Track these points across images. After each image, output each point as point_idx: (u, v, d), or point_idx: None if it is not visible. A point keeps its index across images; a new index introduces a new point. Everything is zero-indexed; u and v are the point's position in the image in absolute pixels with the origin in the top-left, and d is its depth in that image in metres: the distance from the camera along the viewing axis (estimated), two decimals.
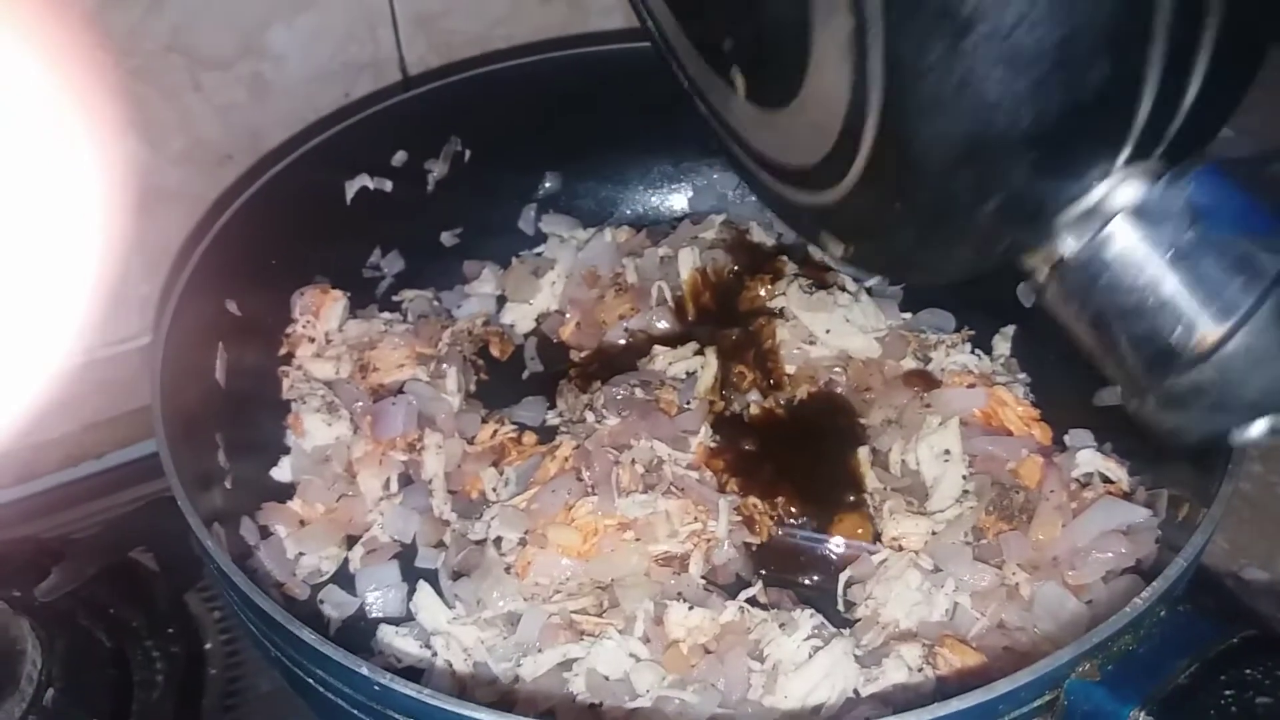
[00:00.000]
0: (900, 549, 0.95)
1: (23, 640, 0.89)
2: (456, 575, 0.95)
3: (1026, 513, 0.94)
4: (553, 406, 1.10)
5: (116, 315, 1.13)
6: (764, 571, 0.96)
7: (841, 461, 1.02)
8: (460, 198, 1.21)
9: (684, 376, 1.08)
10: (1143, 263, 0.56)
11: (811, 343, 1.10)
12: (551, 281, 1.20)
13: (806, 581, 0.97)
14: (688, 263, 1.17)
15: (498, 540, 0.96)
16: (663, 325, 1.15)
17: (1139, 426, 0.63)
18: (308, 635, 0.73)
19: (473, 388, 1.12)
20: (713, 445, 1.02)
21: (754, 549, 0.97)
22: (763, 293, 1.15)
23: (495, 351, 1.17)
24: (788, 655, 0.86)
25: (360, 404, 1.06)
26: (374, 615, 0.96)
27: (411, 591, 0.95)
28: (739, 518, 0.97)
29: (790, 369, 1.09)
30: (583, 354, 1.16)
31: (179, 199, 1.11)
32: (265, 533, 0.98)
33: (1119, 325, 0.58)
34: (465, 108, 1.17)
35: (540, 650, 0.89)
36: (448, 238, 1.23)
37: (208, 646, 1.01)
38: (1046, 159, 0.55)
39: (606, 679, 0.87)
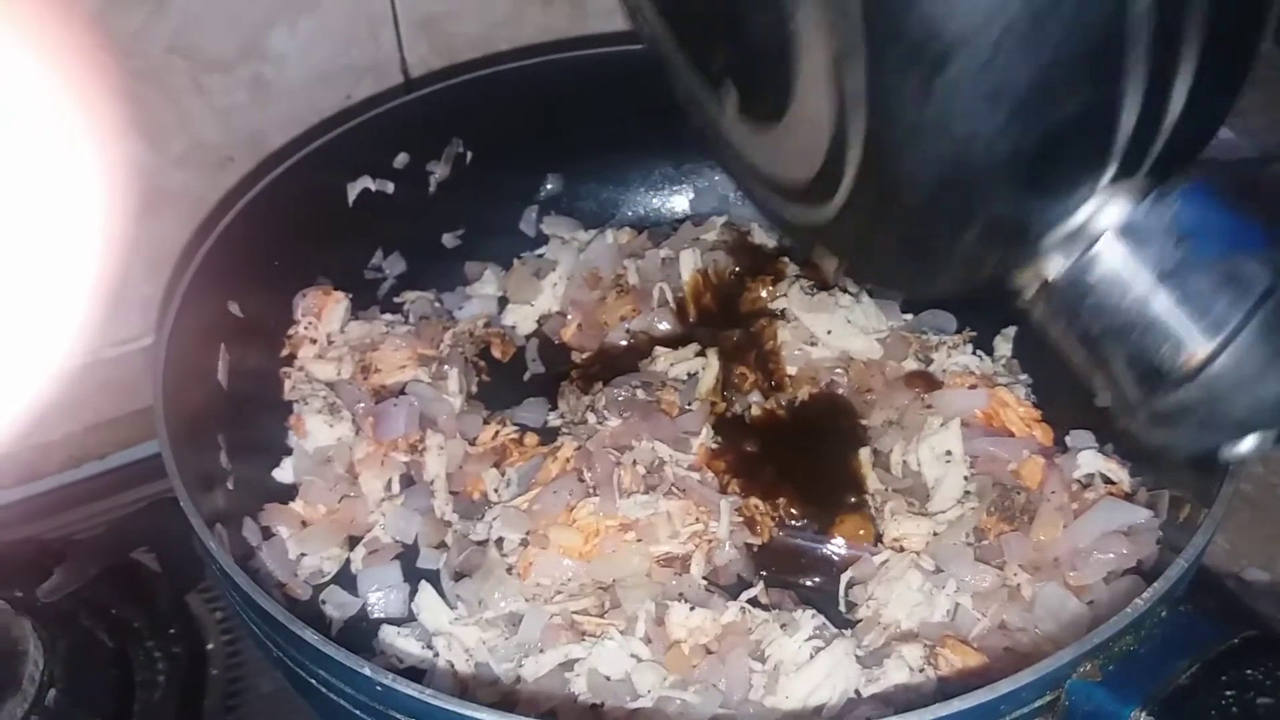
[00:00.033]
0: (901, 550, 0.95)
1: (25, 640, 0.89)
2: (458, 576, 0.95)
3: (1028, 514, 0.94)
4: (554, 408, 1.10)
5: (119, 316, 1.13)
6: (765, 572, 0.96)
7: (843, 462, 1.02)
8: (462, 199, 1.21)
9: (685, 378, 1.08)
10: (1129, 282, 0.56)
11: (813, 344, 1.10)
12: (553, 283, 1.20)
13: (808, 583, 0.97)
14: (689, 264, 1.17)
15: (499, 541, 0.96)
16: (664, 326, 1.15)
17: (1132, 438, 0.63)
18: (310, 636, 0.73)
19: (474, 389, 1.12)
20: (714, 446, 1.02)
21: (755, 550, 0.97)
22: (764, 294, 1.15)
23: (497, 353, 1.17)
24: (789, 656, 0.86)
25: (362, 405, 1.06)
26: (376, 616, 0.96)
27: (413, 592, 0.95)
28: (740, 519, 0.97)
29: (791, 370, 1.09)
30: (584, 355, 1.16)
31: (181, 200, 1.11)
32: (267, 533, 0.98)
33: (1107, 344, 0.58)
34: (467, 109, 1.17)
35: (542, 651, 0.89)
36: (449, 239, 1.23)
37: (209, 647, 1.01)
38: (1027, 186, 0.55)
39: (608, 679, 0.87)
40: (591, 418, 1.04)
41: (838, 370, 1.09)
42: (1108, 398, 0.62)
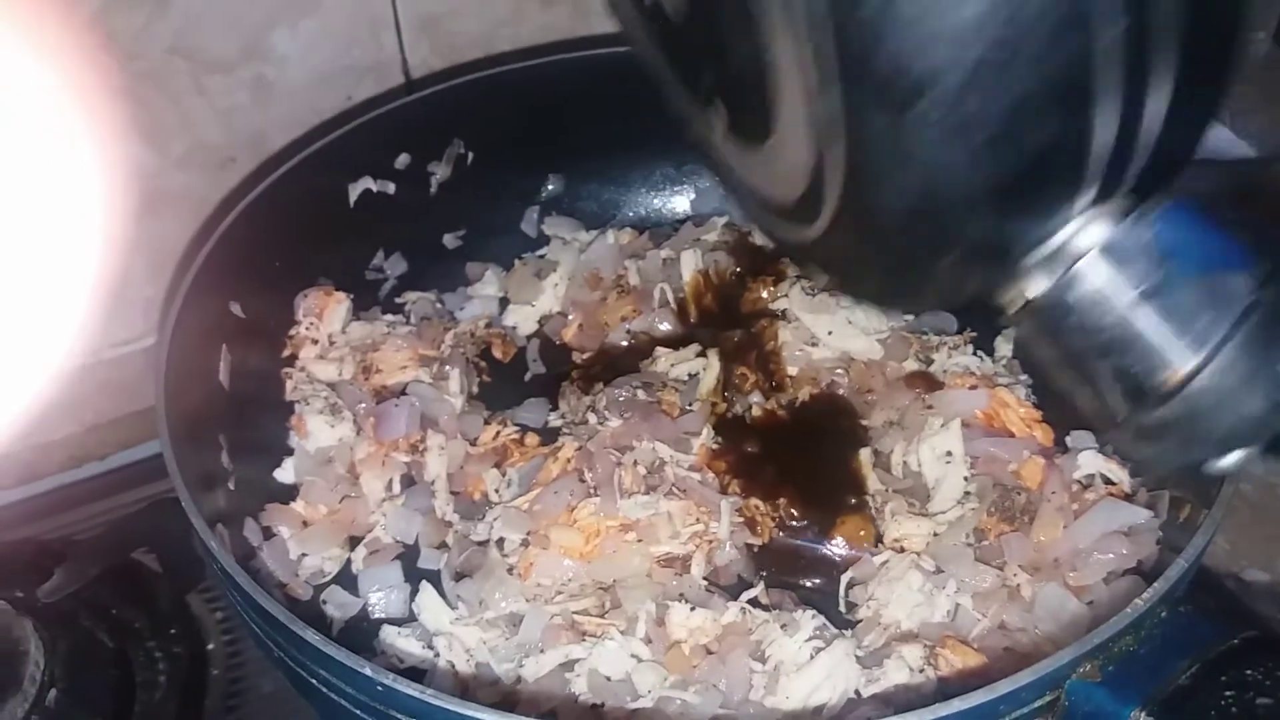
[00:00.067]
0: (902, 550, 0.95)
1: (25, 641, 0.89)
2: (459, 576, 0.95)
3: (1028, 514, 0.94)
4: (555, 408, 1.10)
5: (120, 317, 1.13)
6: (765, 573, 0.96)
7: (843, 463, 1.02)
8: (463, 200, 1.21)
9: (686, 378, 1.08)
10: (1111, 301, 0.57)
11: (813, 344, 1.10)
12: (554, 283, 1.20)
13: (808, 583, 0.97)
14: (690, 265, 1.17)
15: (500, 541, 0.96)
16: (665, 327, 1.15)
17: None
18: (311, 636, 0.73)
19: (475, 389, 1.12)
20: (715, 447, 1.02)
21: (756, 550, 0.97)
22: (765, 294, 1.15)
23: (498, 353, 1.17)
24: (789, 656, 0.86)
25: (363, 405, 1.07)
26: (376, 616, 0.96)
27: (414, 592, 0.95)
28: (741, 519, 0.97)
29: (792, 370, 1.10)
30: (585, 356, 1.16)
31: (182, 201, 1.12)
32: (268, 534, 0.98)
33: (1091, 361, 0.59)
34: (468, 110, 1.17)
35: (542, 651, 0.89)
36: (450, 240, 1.23)
37: (210, 647, 1.01)
38: (1003, 213, 0.55)
39: (608, 680, 0.87)
40: (592, 418, 1.04)
41: (838, 371, 1.09)
42: (1092, 414, 0.62)
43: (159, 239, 1.10)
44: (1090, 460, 0.97)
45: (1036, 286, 0.58)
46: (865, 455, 1.02)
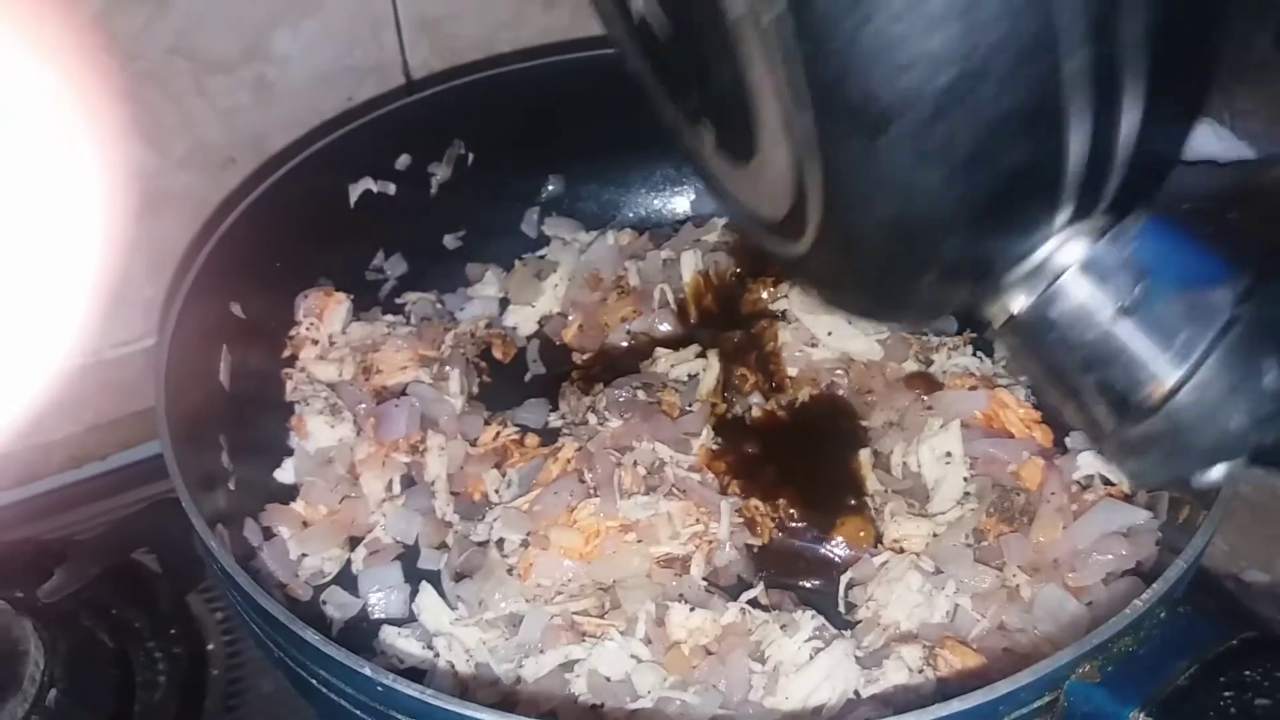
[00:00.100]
0: (901, 551, 0.95)
1: (25, 641, 0.89)
2: (459, 576, 0.96)
3: (1027, 515, 0.94)
4: (555, 408, 1.10)
5: (120, 317, 1.13)
6: (765, 573, 0.96)
7: (843, 464, 1.02)
8: (463, 201, 1.21)
9: (686, 379, 1.08)
10: (1093, 317, 0.57)
11: (813, 345, 1.10)
12: (554, 284, 1.20)
13: (807, 584, 0.97)
14: (690, 265, 1.17)
15: (500, 542, 0.96)
16: (665, 328, 1.15)
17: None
18: (311, 636, 0.73)
19: (475, 390, 1.13)
20: (714, 447, 1.03)
21: (755, 551, 0.97)
22: (765, 295, 1.15)
23: (498, 354, 1.17)
24: (789, 656, 0.86)
25: (363, 406, 1.07)
26: (376, 616, 0.96)
27: (414, 593, 0.95)
28: (740, 520, 0.97)
29: (792, 371, 1.10)
30: (585, 356, 1.16)
31: (183, 202, 1.12)
32: (268, 534, 0.98)
33: (1074, 376, 0.59)
34: (468, 111, 1.17)
35: (542, 651, 0.89)
36: (451, 240, 1.23)
37: (210, 647, 1.01)
38: (979, 233, 0.56)
39: (608, 680, 0.87)
40: (592, 419, 1.04)
41: (838, 371, 1.09)
42: (1079, 426, 0.63)
43: (159, 239, 1.10)
44: (1089, 461, 0.97)
45: (1019, 302, 0.59)
46: (865, 456, 1.02)
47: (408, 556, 0.99)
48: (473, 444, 1.06)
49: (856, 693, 0.86)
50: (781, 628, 0.88)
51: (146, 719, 0.93)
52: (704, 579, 0.94)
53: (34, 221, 0.44)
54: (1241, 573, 1.02)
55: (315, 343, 1.11)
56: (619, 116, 1.14)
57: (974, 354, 1.10)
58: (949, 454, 0.99)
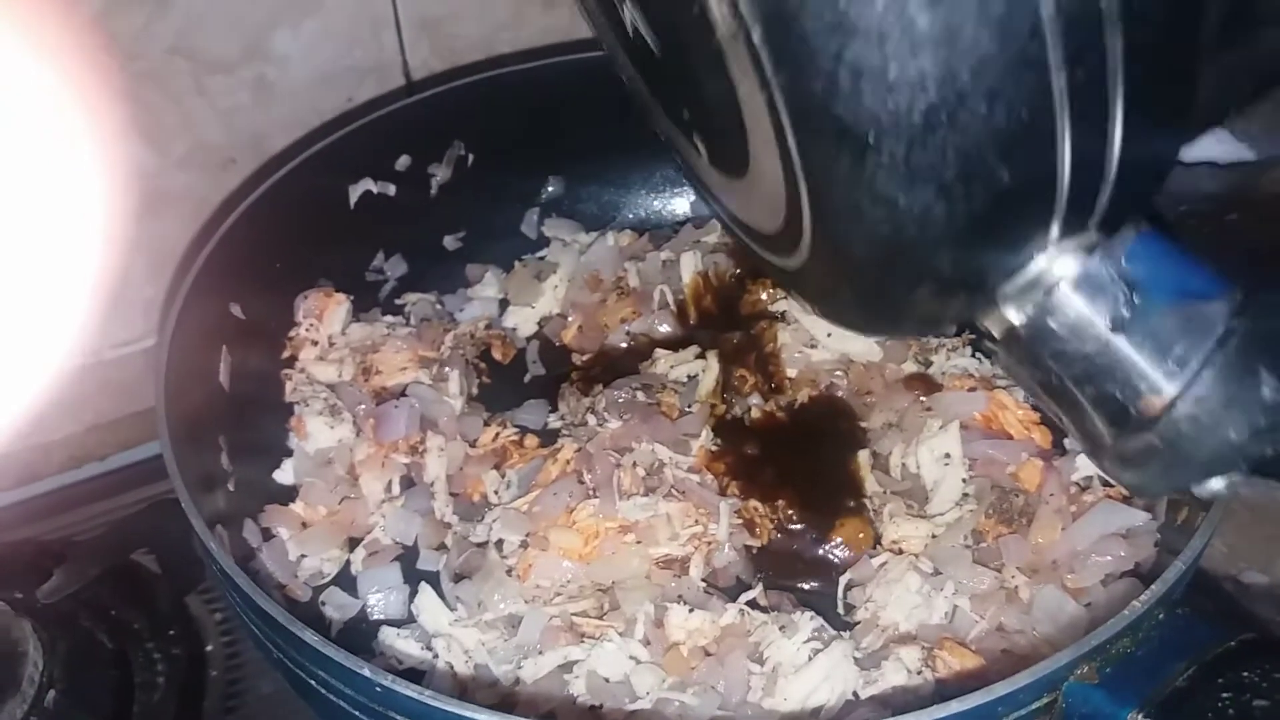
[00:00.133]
0: (900, 552, 0.95)
1: (24, 642, 0.89)
2: (458, 577, 0.95)
3: (1026, 516, 0.94)
4: (554, 409, 1.10)
5: (120, 317, 1.13)
6: (764, 574, 0.96)
7: (842, 465, 1.02)
8: (463, 202, 1.21)
9: (685, 380, 1.08)
10: (1087, 331, 0.57)
11: (813, 346, 1.10)
12: (554, 285, 1.20)
13: (806, 585, 0.97)
14: (690, 266, 1.17)
15: (499, 543, 0.96)
16: (665, 329, 1.15)
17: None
18: (310, 637, 0.73)
19: (475, 391, 1.13)
20: (714, 448, 1.03)
21: (754, 552, 0.97)
22: (764, 296, 1.15)
23: (497, 355, 1.17)
24: (787, 658, 0.86)
25: (363, 407, 1.07)
26: (375, 617, 0.96)
27: (413, 594, 0.95)
28: (739, 521, 0.97)
29: (791, 372, 1.10)
30: (585, 357, 1.16)
31: (183, 202, 1.12)
32: (267, 535, 0.98)
33: (1071, 389, 0.59)
34: (468, 112, 1.17)
35: (541, 652, 0.89)
36: (450, 241, 1.23)
37: (209, 648, 1.01)
38: (969, 249, 0.57)
39: (607, 681, 0.87)
40: (592, 420, 1.04)
41: (837, 373, 1.09)
42: (1077, 439, 0.63)
43: (159, 239, 1.10)
44: (1088, 462, 0.97)
45: (1014, 315, 0.59)
46: (864, 457, 1.02)
47: (407, 557, 0.99)
48: (472, 445, 1.06)
49: (855, 694, 0.86)
50: (780, 629, 0.88)
51: None
52: (703, 580, 0.94)
53: (34, 221, 0.44)
54: (1240, 574, 1.02)
55: (315, 343, 1.11)
56: (619, 118, 1.14)
57: (973, 355, 1.10)
58: (948, 455, 0.99)
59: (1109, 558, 0.90)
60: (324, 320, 1.12)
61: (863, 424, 1.06)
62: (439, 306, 1.20)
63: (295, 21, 1.10)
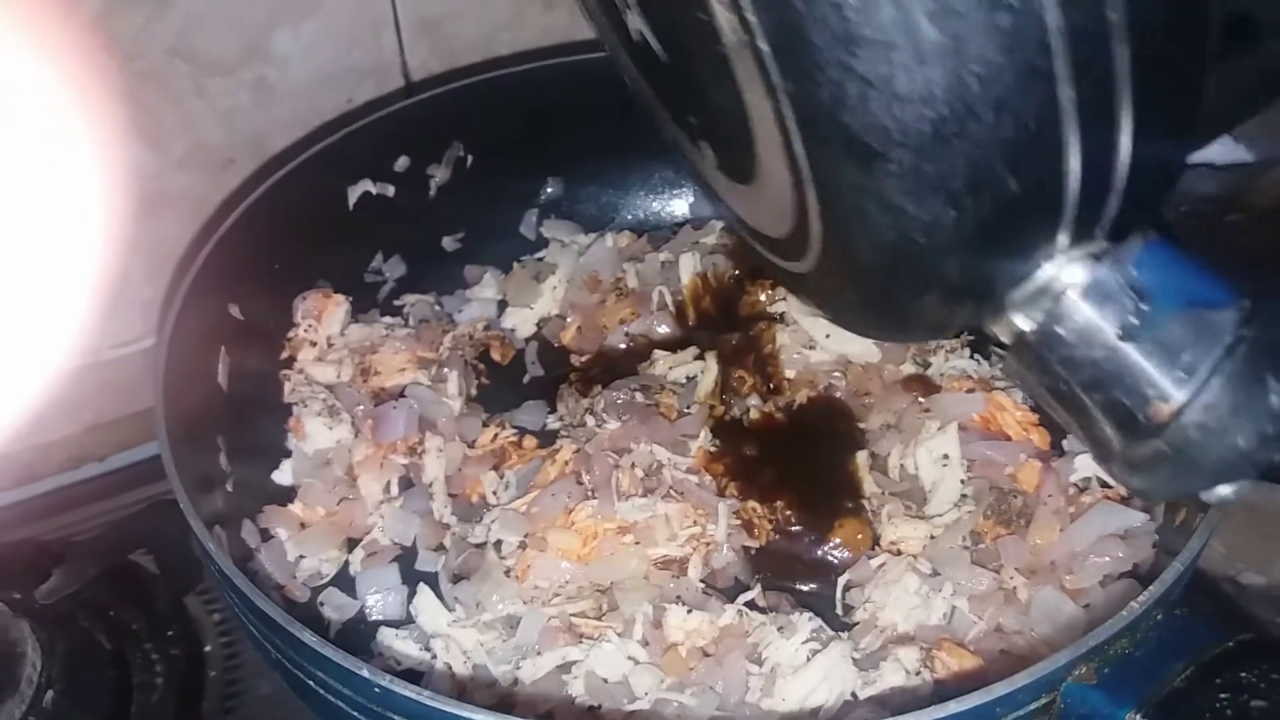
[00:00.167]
0: (899, 553, 0.95)
1: (23, 642, 0.89)
2: (456, 578, 0.96)
3: (1024, 517, 0.95)
4: (553, 410, 1.10)
5: (119, 318, 1.13)
6: (761, 575, 0.96)
7: (840, 466, 1.02)
8: (462, 203, 1.21)
9: (684, 381, 1.08)
10: (1095, 339, 0.57)
11: (811, 347, 1.10)
12: (553, 286, 1.20)
13: (805, 586, 0.97)
14: (688, 268, 1.17)
15: (498, 543, 0.96)
16: (663, 330, 1.15)
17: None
18: (308, 637, 0.73)
19: (474, 392, 1.13)
20: (712, 449, 1.03)
21: (753, 553, 0.98)
22: (763, 297, 1.15)
23: (496, 356, 1.17)
24: (786, 658, 0.86)
25: (361, 407, 1.07)
26: (374, 618, 0.96)
27: (411, 594, 0.95)
28: (738, 521, 0.97)
29: (790, 373, 1.10)
30: (583, 358, 1.16)
31: (182, 203, 1.12)
32: (266, 535, 0.98)
33: (1079, 396, 0.60)
34: (467, 113, 1.17)
35: (539, 653, 0.89)
36: (449, 242, 1.23)
37: (207, 649, 1.01)
38: (977, 256, 0.57)
39: (605, 681, 0.87)
40: (590, 421, 1.04)
41: (836, 374, 1.09)
42: (1086, 444, 0.63)
43: (158, 240, 1.10)
44: (1087, 463, 0.97)
45: (1022, 322, 0.59)
46: (862, 458, 1.02)
47: (405, 558, 0.99)
48: (471, 446, 1.06)
49: (854, 694, 0.86)
50: (779, 629, 0.88)
51: None
52: (701, 581, 0.94)
53: (34, 221, 0.44)
54: (1239, 575, 1.02)
55: (314, 344, 1.11)
56: (618, 119, 1.14)
57: (971, 357, 1.10)
58: (946, 456, 0.99)
59: (1107, 559, 0.90)
60: (323, 321, 1.12)
61: (861, 425, 1.06)
62: (438, 307, 1.20)
63: (295, 22, 1.10)
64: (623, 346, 1.15)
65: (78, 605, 0.97)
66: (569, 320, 1.19)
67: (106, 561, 1.00)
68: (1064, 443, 1.01)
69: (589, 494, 0.96)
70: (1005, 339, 0.61)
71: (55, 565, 0.97)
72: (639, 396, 1.05)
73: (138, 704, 0.94)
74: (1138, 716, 0.69)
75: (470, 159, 1.20)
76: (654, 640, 0.89)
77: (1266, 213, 1.03)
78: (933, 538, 0.96)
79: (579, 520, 0.94)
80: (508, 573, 0.94)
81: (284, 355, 1.11)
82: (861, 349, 1.10)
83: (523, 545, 0.95)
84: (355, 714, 0.75)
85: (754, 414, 1.07)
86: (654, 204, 1.30)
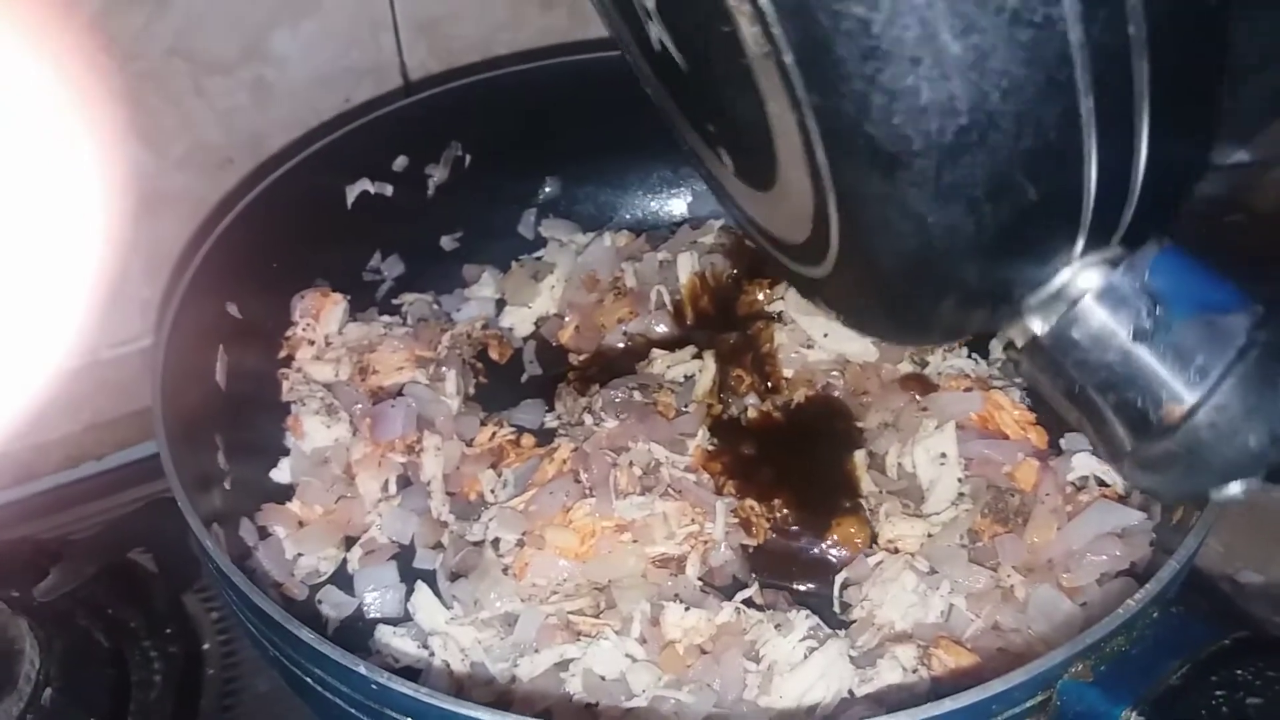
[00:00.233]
0: (896, 551, 0.95)
1: (21, 640, 0.89)
2: (454, 576, 0.96)
3: (1022, 516, 0.95)
4: (551, 409, 1.10)
5: (118, 317, 1.13)
6: (757, 574, 0.96)
7: (838, 464, 1.03)
8: (460, 202, 1.21)
9: (682, 380, 1.09)
10: (1110, 342, 0.59)
11: (809, 346, 1.10)
12: (551, 285, 1.20)
13: (802, 586, 0.97)
14: (686, 267, 1.18)
15: (495, 541, 0.96)
16: (661, 329, 1.16)
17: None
18: (306, 635, 0.74)
19: (472, 390, 1.13)
20: (710, 448, 1.03)
21: (750, 551, 0.98)
22: (761, 297, 1.15)
23: (494, 354, 1.17)
24: (783, 656, 0.86)
25: (359, 406, 1.07)
26: (372, 615, 0.96)
27: (409, 592, 0.95)
28: (736, 520, 0.98)
29: (788, 372, 1.10)
30: (581, 357, 1.16)
31: (181, 202, 1.12)
32: (264, 533, 0.98)
33: (1093, 397, 0.61)
34: (466, 113, 1.17)
35: (537, 650, 0.89)
36: (448, 242, 1.23)
37: (205, 647, 1.01)
38: (996, 262, 0.58)
39: (603, 679, 0.87)
40: (588, 419, 1.04)
41: (834, 373, 1.09)
42: (1098, 445, 0.64)
43: (157, 240, 1.10)
44: (1084, 462, 0.97)
45: (1038, 326, 0.60)
46: (860, 457, 1.03)
47: (403, 556, 0.99)
48: (469, 444, 1.06)
49: (851, 692, 0.86)
50: (776, 627, 0.88)
51: (142, 718, 0.93)
52: (699, 579, 0.94)
53: (33, 221, 0.44)
54: (1236, 574, 1.02)
55: (312, 343, 1.12)
56: (616, 118, 1.15)
57: (969, 356, 1.10)
58: (944, 455, 0.99)
59: (1104, 557, 0.90)
60: (321, 320, 1.12)
61: (859, 424, 1.06)
62: (436, 306, 1.21)
63: (293, 22, 1.10)
64: (621, 345, 1.16)
65: (76, 603, 0.97)
66: (567, 319, 1.19)
67: (105, 560, 1.00)
68: (1061, 441, 1.01)
69: (587, 492, 0.96)
70: (1020, 342, 0.62)
71: (53, 563, 0.98)
72: (637, 395, 1.05)
73: (136, 702, 0.94)
74: (1134, 714, 0.69)
75: (468, 158, 1.20)
76: (651, 638, 0.89)
77: (1266, 213, 1.03)
78: (930, 536, 0.96)
79: (577, 518, 0.95)
80: (505, 571, 0.94)
81: (282, 354, 1.11)
82: (859, 348, 1.10)
83: (521, 543, 0.95)
84: (353, 711, 0.75)
85: (752, 413, 1.07)
86: (652, 203, 1.30)
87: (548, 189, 1.27)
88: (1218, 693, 0.68)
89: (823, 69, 0.52)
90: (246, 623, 0.83)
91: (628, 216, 1.30)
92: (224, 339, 1.03)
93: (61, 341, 0.47)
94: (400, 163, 1.17)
